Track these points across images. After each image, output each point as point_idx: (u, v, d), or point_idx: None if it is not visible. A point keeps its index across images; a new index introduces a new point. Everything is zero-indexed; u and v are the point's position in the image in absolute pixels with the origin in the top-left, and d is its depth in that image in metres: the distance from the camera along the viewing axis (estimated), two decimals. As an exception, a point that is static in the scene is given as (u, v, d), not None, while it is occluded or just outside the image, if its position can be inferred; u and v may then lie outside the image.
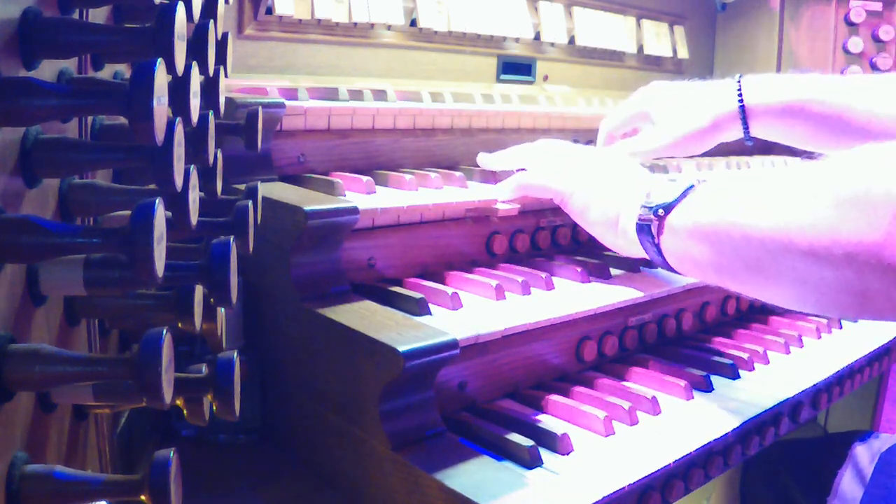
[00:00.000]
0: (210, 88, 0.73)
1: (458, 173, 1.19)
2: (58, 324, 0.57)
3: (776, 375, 1.14)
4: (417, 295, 0.95)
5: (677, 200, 0.92)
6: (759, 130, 1.23)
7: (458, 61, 1.53)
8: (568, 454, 0.85)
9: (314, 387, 0.93)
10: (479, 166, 1.28)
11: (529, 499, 0.74)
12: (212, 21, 0.67)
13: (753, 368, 1.15)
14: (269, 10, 1.24)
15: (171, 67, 0.51)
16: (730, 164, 1.67)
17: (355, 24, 1.35)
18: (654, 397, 0.98)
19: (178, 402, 0.59)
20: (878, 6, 1.95)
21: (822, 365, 1.20)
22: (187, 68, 0.56)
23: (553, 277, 1.11)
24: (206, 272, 0.57)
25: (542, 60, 1.68)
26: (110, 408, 0.65)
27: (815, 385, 1.13)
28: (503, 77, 1.61)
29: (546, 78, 1.70)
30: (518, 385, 1.02)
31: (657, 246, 0.95)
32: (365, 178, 1.08)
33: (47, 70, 0.53)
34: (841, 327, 1.39)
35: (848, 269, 0.69)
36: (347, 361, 0.86)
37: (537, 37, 1.65)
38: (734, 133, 1.24)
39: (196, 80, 0.60)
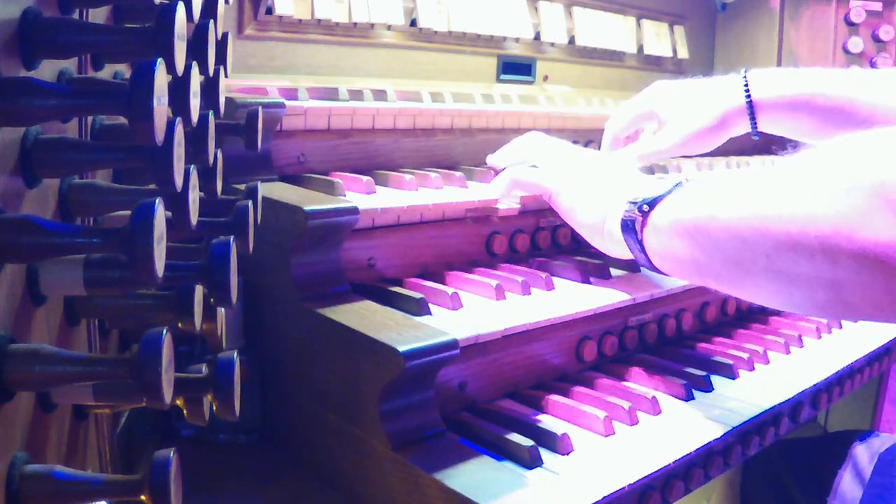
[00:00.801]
0: (210, 88, 0.73)
1: (458, 173, 1.19)
2: (58, 324, 0.57)
3: (776, 375, 1.14)
4: (417, 295, 0.95)
5: (662, 196, 0.92)
6: (766, 125, 1.22)
7: (458, 61, 1.53)
8: (568, 454, 0.85)
9: (314, 387, 0.93)
10: (479, 166, 1.28)
11: (529, 499, 0.74)
12: (212, 21, 0.67)
13: (753, 368, 1.15)
14: (269, 10, 1.24)
15: (171, 67, 0.51)
16: (730, 163, 1.67)
17: (355, 24, 1.35)
18: (654, 397, 0.98)
19: (178, 402, 0.59)
20: (878, 6, 1.95)
21: (823, 365, 1.20)
22: (187, 68, 0.56)
23: (553, 277, 1.11)
24: (206, 272, 0.57)
25: (542, 60, 1.68)
26: (110, 408, 0.65)
27: (815, 385, 1.13)
28: (503, 77, 1.61)
29: (546, 78, 1.70)
30: (518, 385, 1.02)
31: (640, 243, 0.94)
32: (365, 178, 1.08)
33: (47, 70, 0.53)
34: (841, 327, 1.39)
35: (822, 256, 0.68)
36: (347, 361, 0.86)
37: (537, 37, 1.65)
38: (742, 128, 1.23)
39: (196, 80, 0.59)
